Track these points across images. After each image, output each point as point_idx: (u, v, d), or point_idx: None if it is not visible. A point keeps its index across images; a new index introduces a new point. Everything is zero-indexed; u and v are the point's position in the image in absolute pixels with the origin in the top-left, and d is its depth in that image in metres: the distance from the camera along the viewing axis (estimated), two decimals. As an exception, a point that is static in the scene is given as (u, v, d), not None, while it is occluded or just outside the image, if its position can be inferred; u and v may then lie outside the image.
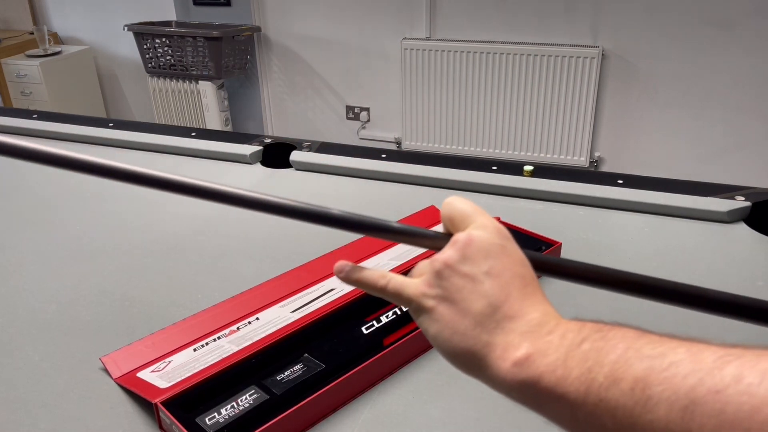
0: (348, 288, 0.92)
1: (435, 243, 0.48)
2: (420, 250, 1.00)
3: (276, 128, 3.97)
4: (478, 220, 0.46)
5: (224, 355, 0.79)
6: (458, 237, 0.45)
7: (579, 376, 0.37)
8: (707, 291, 0.48)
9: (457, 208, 0.48)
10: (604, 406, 0.36)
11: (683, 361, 0.35)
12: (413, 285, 0.46)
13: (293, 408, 0.70)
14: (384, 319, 0.85)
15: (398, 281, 0.48)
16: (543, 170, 1.35)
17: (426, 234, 0.49)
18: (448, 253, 0.45)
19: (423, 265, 0.48)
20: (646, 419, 0.34)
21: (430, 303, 0.45)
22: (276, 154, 1.50)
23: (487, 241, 0.44)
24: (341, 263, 0.50)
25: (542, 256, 0.49)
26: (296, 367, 0.78)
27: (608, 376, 0.36)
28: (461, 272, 0.44)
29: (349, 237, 1.09)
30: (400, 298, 0.47)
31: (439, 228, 0.50)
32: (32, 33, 4.06)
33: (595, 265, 0.49)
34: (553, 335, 0.41)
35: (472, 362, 0.43)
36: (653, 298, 0.50)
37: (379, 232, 0.49)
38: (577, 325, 0.41)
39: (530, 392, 0.40)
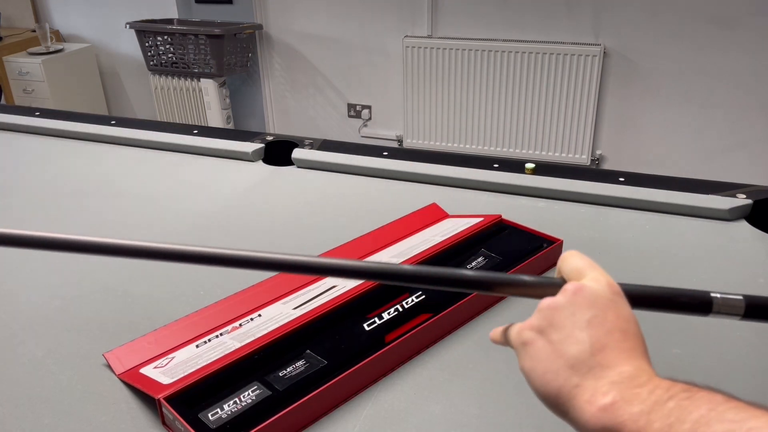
0: (350, 285, 0.92)
1: (546, 291, 0.49)
2: (422, 248, 1.01)
3: (278, 126, 3.97)
4: (591, 274, 0.48)
5: (227, 352, 0.79)
6: (570, 285, 0.47)
7: (659, 429, 0.38)
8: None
9: (573, 264, 0.50)
10: None
11: (762, 428, 0.35)
12: (518, 324, 0.49)
13: (295, 404, 0.70)
14: (386, 316, 0.86)
15: (510, 324, 0.51)
16: (544, 168, 1.35)
17: (538, 283, 0.50)
18: (556, 297, 0.47)
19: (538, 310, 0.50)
20: None
21: (529, 336, 0.47)
22: (278, 152, 1.50)
23: (596, 293, 0.46)
24: (491, 336, 0.55)
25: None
26: (298, 363, 0.78)
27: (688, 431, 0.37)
28: (564, 315, 0.46)
29: (351, 235, 1.09)
30: (505, 334, 0.51)
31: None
32: (34, 31, 4.06)
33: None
34: (642, 389, 0.41)
35: (559, 401, 0.44)
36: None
37: (486, 289, 0.51)
38: (668, 383, 0.41)
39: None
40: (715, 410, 0.37)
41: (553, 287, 0.49)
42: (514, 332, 0.49)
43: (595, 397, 0.42)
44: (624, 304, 0.47)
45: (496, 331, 0.54)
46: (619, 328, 0.45)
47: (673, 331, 0.86)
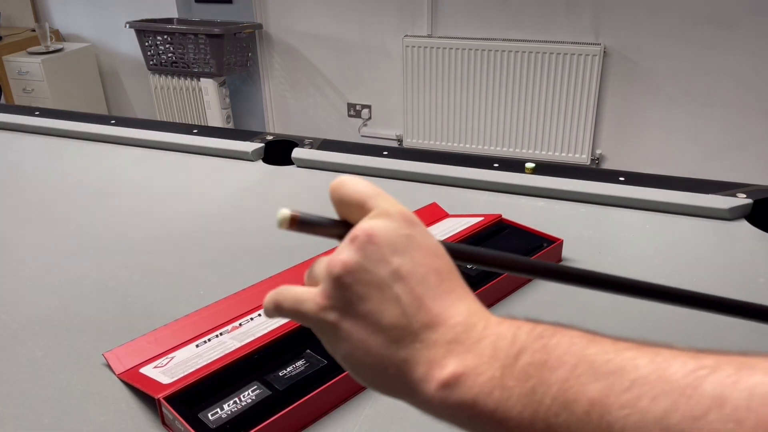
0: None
1: (326, 232, 0.40)
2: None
3: (277, 125, 3.97)
4: (378, 205, 0.38)
5: (227, 351, 0.79)
6: (357, 231, 0.37)
7: (521, 397, 0.31)
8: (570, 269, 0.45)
9: (352, 191, 0.40)
10: None
11: (647, 377, 0.29)
12: (310, 297, 0.38)
13: (296, 404, 0.70)
14: (386, 316, 0.86)
15: (292, 296, 0.39)
16: (544, 167, 1.35)
17: (319, 223, 0.40)
18: (345, 253, 0.37)
19: (318, 269, 0.39)
20: None
21: (332, 318, 0.37)
22: (278, 152, 1.50)
23: (393, 233, 0.36)
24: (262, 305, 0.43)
25: (454, 244, 0.42)
26: (298, 363, 0.78)
27: (557, 398, 0.30)
28: (365, 277, 0.36)
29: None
30: (298, 315, 0.39)
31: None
32: (34, 30, 4.06)
33: (505, 254, 0.44)
34: (483, 344, 0.34)
35: (393, 385, 0.36)
36: (595, 288, 0.47)
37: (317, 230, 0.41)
38: (511, 327, 0.34)
39: (465, 417, 0.33)
40: (583, 361, 0.31)
41: (334, 228, 0.40)
42: (311, 318, 0.38)
43: (431, 371, 0.34)
44: (426, 235, 0.38)
45: (276, 306, 0.41)
46: (432, 269, 0.36)
47: (673, 331, 0.86)
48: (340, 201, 0.40)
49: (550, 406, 0.30)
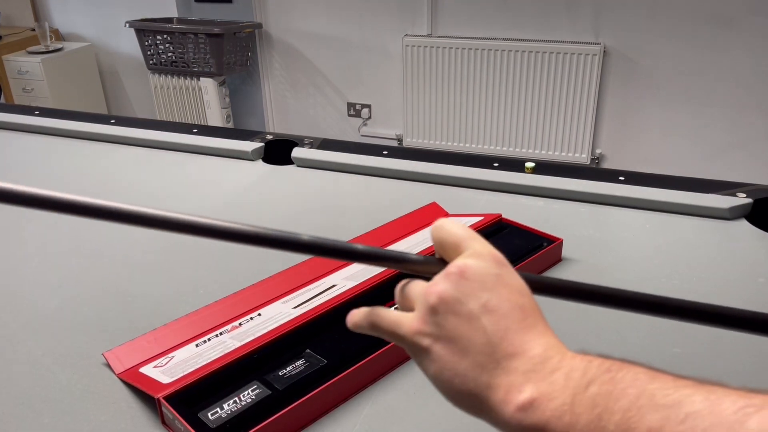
0: (350, 284, 0.92)
1: (426, 269, 0.45)
2: (423, 247, 1.00)
3: (277, 125, 3.97)
4: (471, 246, 0.43)
5: (226, 351, 0.79)
6: (451, 268, 0.42)
7: (588, 423, 0.35)
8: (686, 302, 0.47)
9: (449, 233, 0.45)
10: None
11: (701, 412, 0.32)
12: (407, 322, 0.43)
13: (295, 403, 0.70)
14: (386, 315, 0.86)
15: (391, 319, 0.45)
16: (544, 167, 1.35)
17: (416, 260, 0.46)
18: (441, 286, 0.42)
19: (415, 294, 0.44)
20: None
21: (426, 342, 0.42)
22: (277, 151, 1.50)
23: (483, 271, 0.42)
24: (348, 316, 0.48)
25: (541, 277, 0.47)
26: (298, 363, 0.78)
27: (619, 425, 0.34)
28: (457, 308, 0.41)
29: (350, 234, 1.09)
30: (394, 336, 0.45)
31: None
32: (34, 30, 4.06)
33: (593, 285, 0.48)
34: (557, 374, 0.38)
35: (475, 405, 0.40)
36: (651, 314, 0.49)
37: (361, 259, 0.46)
38: (583, 362, 0.38)
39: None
40: (644, 394, 0.34)
41: (433, 265, 0.44)
42: (407, 341, 0.43)
43: (510, 394, 0.38)
44: (513, 275, 0.43)
45: (372, 326, 0.46)
46: (516, 305, 0.41)
47: (673, 331, 0.86)
48: (439, 241, 0.45)
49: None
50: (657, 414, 0.33)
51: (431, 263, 0.45)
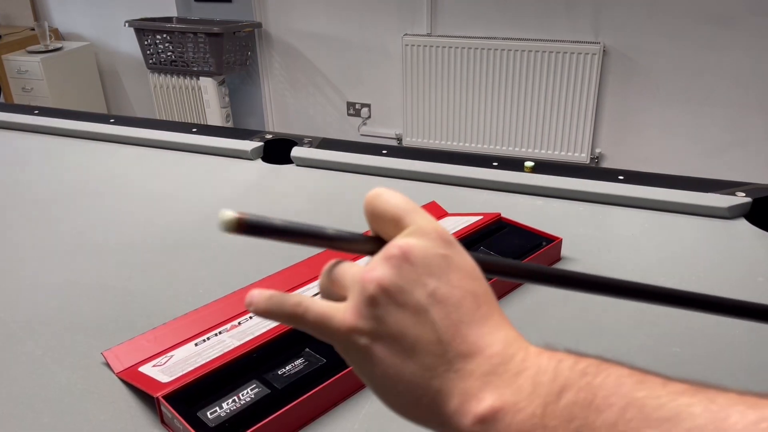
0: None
1: (359, 248, 0.38)
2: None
3: (277, 124, 3.97)
4: (414, 221, 0.36)
5: (225, 350, 0.79)
6: (392, 249, 0.35)
7: None
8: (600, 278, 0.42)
9: (387, 205, 0.37)
10: None
11: (705, 428, 0.27)
12: (339, 316, 0.36)
13: (294, 402, 0.70)
14: (385, 314, 0.86)
15: (319, 311, 0.37)
16: (544, 166, 1.35)
17: (345, 237, 0.38)
18: (380, 271, 0.34)
19: (349, 279, 0.37)
20: None
21: (363, 341, 0.35)
22: (277, 150, 1.50)
23: (429, 252, 0.35)
24: (248, 295, 0.39)
25: (493, 258, 0.41)
26: (297, 362, 0.78)
27: None
28: (400, 299, 0.34)
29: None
30: (323, 332, 0.37)
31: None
32: (33, 29, 4.06)
33: (547, 267, 0.43)
34: (522, 378, 0.32)
35: (424, 416, 0.34)
36: (598, 293, 0.44)
37: (291, 237, 0.37)
38: (551, 361, 0.32)
39: None
40: (632, 404, 0.29)
41: (367, 244, 0.38)
42: (339, 338, 0.36)
43: (467, 404, 0.32)
44: (463, 255, 0.36)
45: (297, 318, 0.37)
46: (468, 292, 0.34)
47: (673, 330, 0.86)
48: (373, 214, 0.38)
49: None
50: (651, 431, 0.28)
51: (364, 242, 0.38)
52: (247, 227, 0.35)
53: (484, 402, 0.32)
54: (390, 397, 0.35)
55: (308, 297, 0.38)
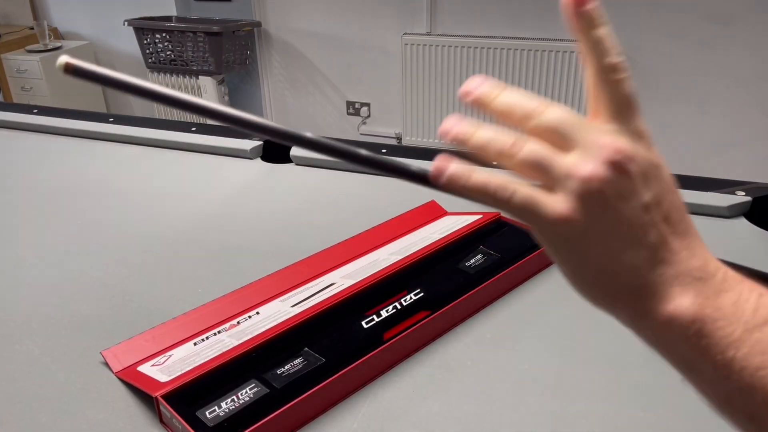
0: (348, 282, 0.92)
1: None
2: (420, 245, 1.00)
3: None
4: (626, 120, 0.36)
5: (224, 349, 0.79)
6: (613, 153, 0.34)
7: (755, 367, 0.31)
8: None
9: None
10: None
11: None
12: (551, 204, 0.35)
13: (293, 401, 0.70)
14: (384, 314, 0.86)
15: (527, 197, 0.36)
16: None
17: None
18: (602, 172, 0.34)
19: (561, 167, 0.35)
20: None
21: (572, 233, 0.35)
22: (276, 149, 1.50)
23: (646, 161, 0.35)
24: (441, 162, 0.39)
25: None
26: (296, 361, 0.78)
27: None
28: (617, 206, 0.34)
29: (349, 232, 1.09)
30: (529, 215, 0.37)
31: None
32: (32, 28, 4.06)
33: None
34: (723, 297, 0.33)
35: (617, 305, 0.36)
36: None
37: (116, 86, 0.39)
38: (753, 293, 0.34)
39: (686, 351, 0.34)
40: None
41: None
42: (544, 226, 0.36)
43: (668, 303, 0.34)
44: (665, 168, 0.37)
45: (504, 190, 0.37)
46: (674, 205, 0.36)
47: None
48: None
49: None
50: None
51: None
52: (74, 70, 0.40)
53: (688, 305, 0.33)
54: (583, 285, 0.37)
55: (514, 179, 0.37)
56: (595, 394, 0.75)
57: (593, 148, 0.34)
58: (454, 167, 0.39)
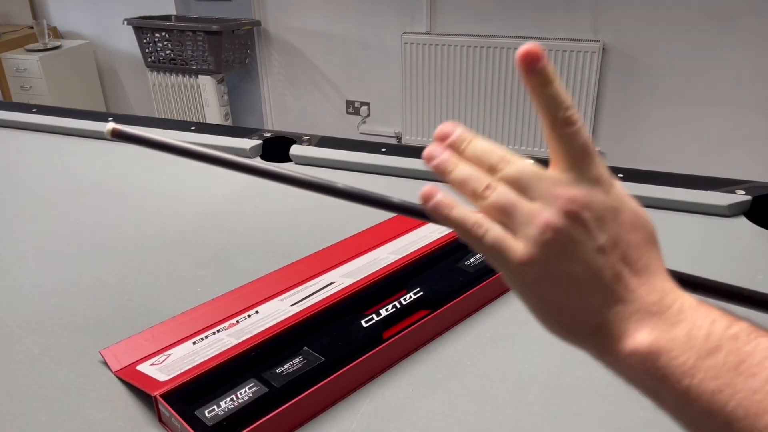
0: (347, 281, 0.92)
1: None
2: (420, 244, 1.00)
3: (276, 123, 3.96)
4: (587, 167, 0.39)
5: (224, 348, 0.79)
6: (569, 203, 0.37)
7: (710, 393, 0.33)
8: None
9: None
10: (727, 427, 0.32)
11: None
12: (514, 248, 0.38)
13: (293, 401, 0.70)
14: (383, 313, 0.85)
15: (497, 238, 0.38)
16: (543, 164, 1.34)
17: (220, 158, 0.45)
18: (558, 221, 0.36)
19: (523, 212, 0.38)
20: None
21: (532, 277, 0.38)
22: (276, 149, 1.50)
23: (602, 206, 0.38)
24: (431, 189, 0.42)
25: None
26: (296, 360, 0.78)
27: (740, 405, 0.31)
28: (573, 250, 0.36)
29: (349, 232, 1.09)
30: (495, 257, 0.39)
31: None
32: (32, 27, 4.05)
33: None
34: (677, 328, 0.35)
35: (580, 342, 0.39)
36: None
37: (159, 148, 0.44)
38: (706, 319, 0.35)
39: (649, 385, 0.36)
40: None
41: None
42: (510, 268, 0.38)
43: (626, 339, 0.36)
44: (629, 204, 0.39)
45: (479, 232, 0.39)
46: (632, 244, 0.38)
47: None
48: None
49: (733, 410, 0.32)
50: None
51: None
52: (119, 135, 0.45)
53: (643, 339, 0.35)
54: (546, 323, 0.40)
55: (488, 220, 0.39)
56: (595, 394, 0.75)
57: (550, 198, 0.37)
58: (441, 197, 0.42)
